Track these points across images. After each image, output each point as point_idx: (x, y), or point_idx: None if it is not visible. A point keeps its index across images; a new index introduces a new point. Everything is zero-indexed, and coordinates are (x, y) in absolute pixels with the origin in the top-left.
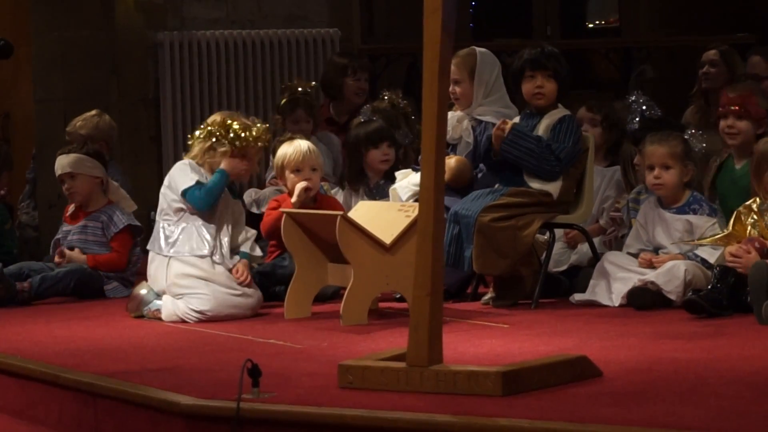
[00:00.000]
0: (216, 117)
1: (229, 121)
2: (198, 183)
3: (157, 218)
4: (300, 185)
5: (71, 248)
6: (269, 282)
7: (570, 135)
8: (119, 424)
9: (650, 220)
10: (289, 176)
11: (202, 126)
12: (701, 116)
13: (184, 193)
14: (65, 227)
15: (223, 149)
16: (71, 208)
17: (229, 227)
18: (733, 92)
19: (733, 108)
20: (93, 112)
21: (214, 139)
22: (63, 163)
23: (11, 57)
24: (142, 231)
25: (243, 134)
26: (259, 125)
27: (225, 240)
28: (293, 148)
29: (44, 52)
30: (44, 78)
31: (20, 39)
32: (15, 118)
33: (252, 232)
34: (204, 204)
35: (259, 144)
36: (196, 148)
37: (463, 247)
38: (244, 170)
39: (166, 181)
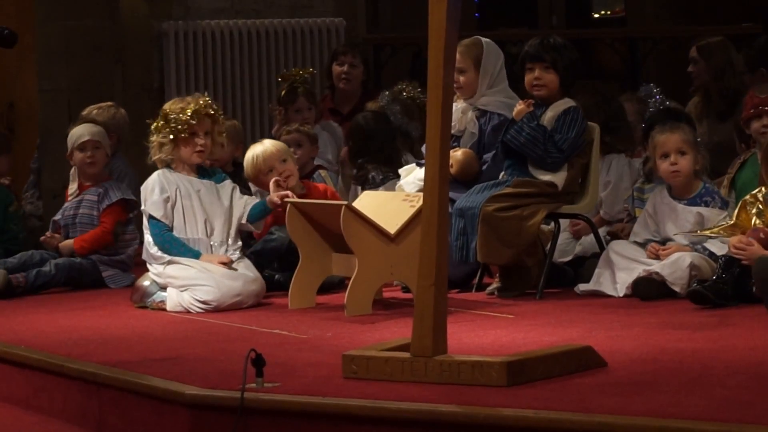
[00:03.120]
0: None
1: (165, 108)
2: (163, 223)
3: (143, 228)
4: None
5: (66, 225)
6: (264, 260)
7: (573, 126)
8: (123, 414)
9: (660, 211)
10: (264, 180)
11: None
12: (702, 106)
13: (149, 220)
14: (65, 204)
15: (170, 138)
16: (71, 188)
17: (221, 217)
18: (762, 93)
19: (766, 108)
20: (109, 103)
21: (160, 134)
22: (93, 131)
23: (15, 46)
24: (136, 205)
25: (180, 116)
26: (196, 99)
27: (217, 232)
28: (251, 155)
29: (48, 41)
30: (48, 68)
31: (24, 28)
32: (19, 108)
33: (251, 200)
34: (159, 245)
35: (200, 116)
36: (153, 150)
37: (470, 240)
38: (200, 151)
39: (141, 194)
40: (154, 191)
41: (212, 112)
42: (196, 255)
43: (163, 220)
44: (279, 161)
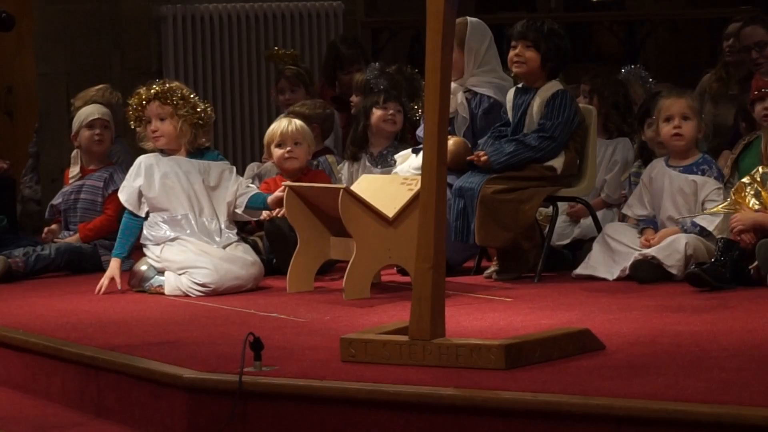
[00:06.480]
0: None
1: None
2: (131, 212)
3: None
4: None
5: (66, 209)
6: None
7: (563, 110)
8: (121, 398)
9: (655, 179)
10: (274, 150)
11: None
12: (719, 86)
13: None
14: (64, 188)
15: (139, 128)
16: (72, 170)
17: (206, 195)
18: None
19: None
20: (104, 85)
21: (133, 124)
22: (102, 111)
23: (13, 30)
24: None
25: (130, 103)
26: (148, 86)
27: (207, 210)
28: (275, 125)
29: (47, 25)
30: (47, 51)
31: (23, 12)
32: (17, 92)
33: (252, 188)
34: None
35: (142, 103)
36: (139, 137)
37: (470, 221)
38: (155, 137)
39: None
40: (130, 176)
41: (158, 96)
42: (118, 254)
43: (126, 204)
44: (292, 141)
